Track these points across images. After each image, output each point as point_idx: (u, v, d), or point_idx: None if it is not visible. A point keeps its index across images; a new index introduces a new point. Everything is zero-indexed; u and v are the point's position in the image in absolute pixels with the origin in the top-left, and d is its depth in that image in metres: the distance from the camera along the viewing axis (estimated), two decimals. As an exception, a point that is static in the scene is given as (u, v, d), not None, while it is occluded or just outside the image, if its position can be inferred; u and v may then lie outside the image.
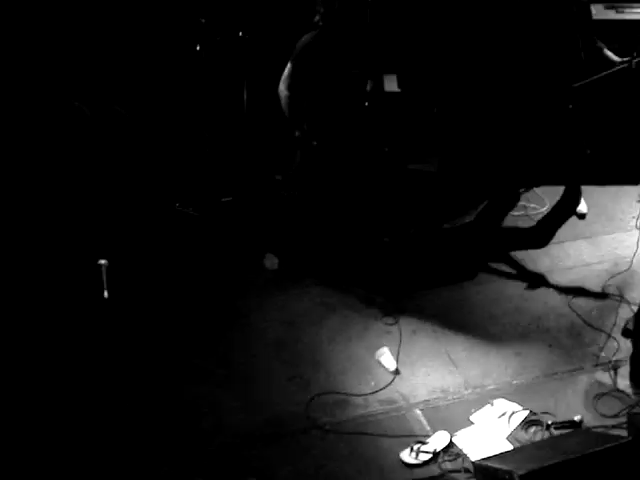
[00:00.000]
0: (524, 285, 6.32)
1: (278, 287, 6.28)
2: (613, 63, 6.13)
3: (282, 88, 5.95)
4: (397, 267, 6.41)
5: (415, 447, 5.16)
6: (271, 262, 6.39)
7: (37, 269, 6.23)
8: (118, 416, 5.28)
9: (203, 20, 6.89)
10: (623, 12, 6.78)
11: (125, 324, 5.76)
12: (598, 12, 6.75)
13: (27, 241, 6.41)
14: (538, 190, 7.11)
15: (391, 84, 7.03)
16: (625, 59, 6.06)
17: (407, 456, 5.14)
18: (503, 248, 6.66)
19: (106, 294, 5.20)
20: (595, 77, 6.10)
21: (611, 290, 6.21)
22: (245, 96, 6.95)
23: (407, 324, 6.00)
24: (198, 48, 6.89)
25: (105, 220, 6.55)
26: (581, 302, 6.16)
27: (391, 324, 5.99)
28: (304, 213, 6.49)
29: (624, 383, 5.59)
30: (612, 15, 6.77)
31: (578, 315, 6.05)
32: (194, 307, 6.09)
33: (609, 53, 6.20)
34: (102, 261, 5.26)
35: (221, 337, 5.90)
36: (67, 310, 5.91)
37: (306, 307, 6.14)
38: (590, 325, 5.98)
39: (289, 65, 5.93)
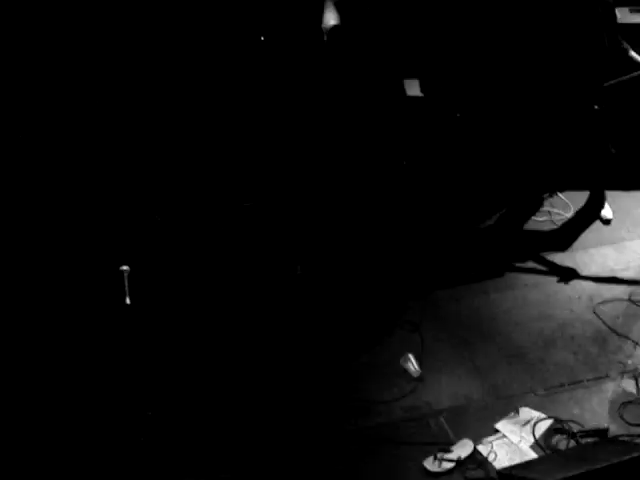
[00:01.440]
0: (548, 291, 6.26)
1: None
2: (639, 65, 6.08)
3: None
4: (421, 272, 6.38)
5: (439, 455, 5.12)
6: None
7: (59, 275, 6.23)
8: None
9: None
10: (649, 16, 6.72)
11: (148, 331, 5.75)
12: (623, 16, 6.69)
13: (49, 247, 6.41)
14: (562, 195, 7.06)
15: (413, 89, 7.00)
16: None
17: (430, 464, 5.10)
18: (526, 252, 6.61)
19: (128, 300, 5.18)
20: (623, 78, 6.04)
21: (637, 297, 6.14)
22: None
23: (431, 330, 5.97)
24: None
25: (129, 224, 6.55)
26: (606, 309, 6.10)
27: (415, 331, 5.95)
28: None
29: (651, 391, 5.54)
30: (638, 19, 6.70)
31: (603, 322, 5.99)
32: (215, 315, 6.08)
33: (635, 54, 6.15)
34: (124, 267, 5.24)
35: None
36: (89, 316, 5.92)
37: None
38: (616, 332, 5.91)
39: None
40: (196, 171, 6.97)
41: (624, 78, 6.03)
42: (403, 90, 6.98)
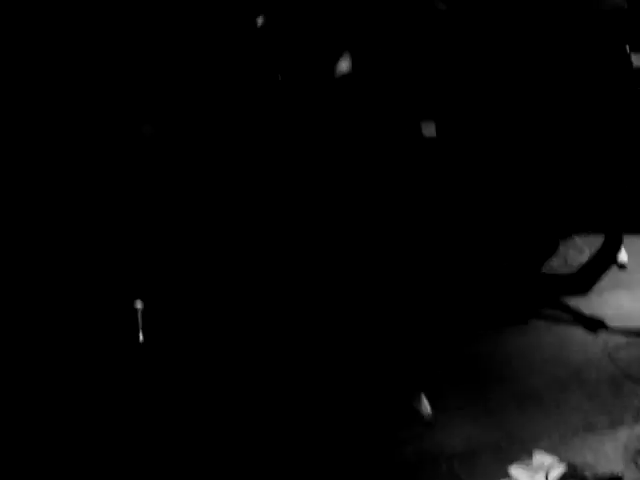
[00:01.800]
0: (563, 335, 6.23)
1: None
2: None
3: None
4: (435, 313, 6.37)
5: (451, 500, 5.09)
6: None
7: (72, 310, 6.23)
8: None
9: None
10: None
11: (161, 368, 5.75)
12: (638, 61, 6.71)
13: (62, 281, 6.41)
14: (578, 238, 7.05)
15: (429, 130, 7.04)
16: None
17: (443, 509, 5.07)
18: (542, 295, 6.59)
19: (141, 338, 5.19)
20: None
21: (652, 342, 6.13)
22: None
23: (443, 370, 5.94)
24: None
25: (149, 259, 6.56)
26: (621, 354, 6.06)
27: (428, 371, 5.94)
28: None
29: (666, 438, 5.49)
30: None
31: (618, 367, 5.96)
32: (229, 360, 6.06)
33: None
34: (138, 304, 5.26)
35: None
36: (102, 353, 5.90)
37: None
38: (630, 378, 5.87)
39: None
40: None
41: None
42: (420, 131, 7.02)
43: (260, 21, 6.70)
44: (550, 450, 5.39)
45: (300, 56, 7.03)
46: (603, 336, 6.20)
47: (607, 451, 5.40)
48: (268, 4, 6.88)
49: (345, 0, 6.75)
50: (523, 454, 5.37)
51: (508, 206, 7.17)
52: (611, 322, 6.31)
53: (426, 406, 5.63)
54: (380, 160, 6.86)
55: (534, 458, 5.33)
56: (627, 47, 6.16)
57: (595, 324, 6.27)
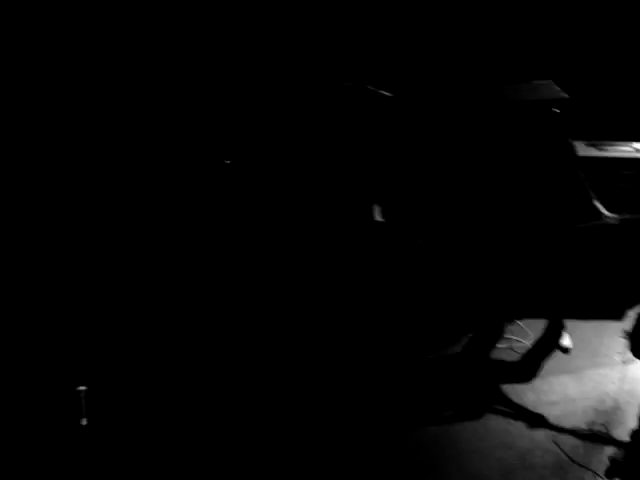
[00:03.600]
0: (509, 420, 6.24)
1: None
2: (599, 214, 6.23)
3: None
4: (383, 396, 6.35)
5: None
6: None
7: (15, 395, 6.12)
8: None
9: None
10: (604, 150, 6.94)
11: (105, 453, 5.64)
12: (580, 149, 6.91)
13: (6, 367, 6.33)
14: (521, 323, 7.13)
15: (378, 214, 7.14)
16: (615, 216, 6.18)
17: None
18: (489, 381, 6.61)
19: (85, 421, 5.09)
20: (588, 224, 6.19)
21: (596, 427, 6.15)
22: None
23: (392, 457, 5.90)
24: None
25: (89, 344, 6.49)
26: (567, 438, 6.08)
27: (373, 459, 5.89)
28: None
29: (612, 524, 5.49)
30: (594, 152, 6.93)
31: (564, 452, 5.96)
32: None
33: (598, 204, 6.30)
34: (81, 387, 5.17)
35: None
36: (44, 437, 5.78)
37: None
38: (576, 462, 5.88)
39: None
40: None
41: (590, 224, 6.19)
42: (372, 216, 7.13)
43: None
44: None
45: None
46: (548, 421, 6.22)
47: (554, 538, 5.40)
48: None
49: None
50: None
51: (454, 293, 7.26)
52: (555, 407, 6.34)
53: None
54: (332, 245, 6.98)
55: None
56: (567, 134, 6.31)
57: (537, 416, 6.31)
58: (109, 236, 6.93)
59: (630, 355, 5.71)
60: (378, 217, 7.10)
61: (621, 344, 6.68)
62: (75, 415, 5.18)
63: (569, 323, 7.00)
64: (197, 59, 7.33)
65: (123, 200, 7.03)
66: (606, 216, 6.19)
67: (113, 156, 7.14)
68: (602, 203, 6.25)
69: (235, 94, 7.28)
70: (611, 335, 7.00)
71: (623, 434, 6.00)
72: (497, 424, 6.21)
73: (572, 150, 6.50)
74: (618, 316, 7.17)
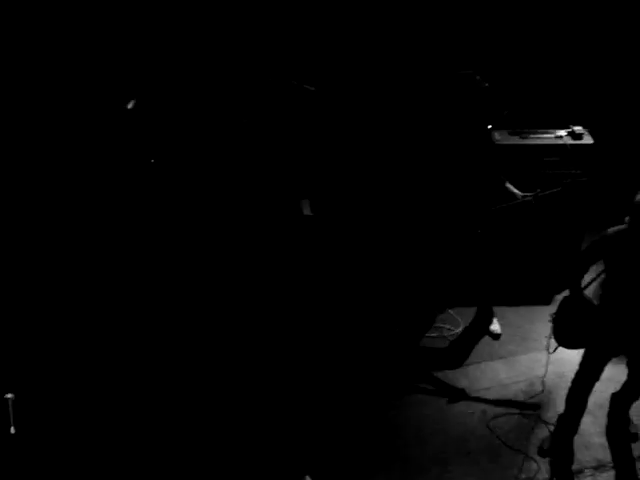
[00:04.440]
0: (442, 407, 6.30)
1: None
2: (514, 196, 6.32)
3: None
4: (318, 393, 6.36)
5: None
6: None
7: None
8: None
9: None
10: (527, 137, 7.03)
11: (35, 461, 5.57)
12: (503, 137, 7.00)
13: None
14: (452, 311, 7.20)
15: (307, 209, 7.15)
16: (527, 194, 6.26)
17: None
18: (420, 369, 6.66)
19: (13, 430, 5.00)
20: (503, 206, 6.27)
21: (528, 410, 6.24)
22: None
23: (329, 452, 5.92)
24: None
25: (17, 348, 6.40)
26: (499, 423, 6.17)
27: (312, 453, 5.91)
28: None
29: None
30: (517, 140, 7.01)
31: (497, 436, 6.05)
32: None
33: (510, 186, 6.39)
34: (8, 395, 5.08)
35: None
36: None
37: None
38: (509, 446, 5.97)
39: None
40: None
41: (506, 205, 6.26)
42: (300, 210, 7.13)
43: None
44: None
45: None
46: (481, 407, 6.29)
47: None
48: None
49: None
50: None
51: (384, 281, 7.30)
52: (488, 392, 6.42)
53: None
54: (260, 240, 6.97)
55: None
56: (488, 125, 6.39)
57: (463, 396, 6.38)
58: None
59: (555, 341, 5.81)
60: (307, 211, 7.10)
61: (549, 328, 6.81)
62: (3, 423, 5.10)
63: (499, 309, 7.10)
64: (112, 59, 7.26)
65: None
66: (520, 195, 6.28)
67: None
68: (526, 190, 6.33)
69: (159, 89, 7.22)
70: (540, 320, 7.10)
71: (553, 416, 6.10)
72: (431, 412, 6.26)
73: (490, 138, 6.59)
74: (547, 301, 7.28)
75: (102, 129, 7.00)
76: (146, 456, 5.75)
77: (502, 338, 6.96)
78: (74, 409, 5.99)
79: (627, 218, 5.16)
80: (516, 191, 6.33)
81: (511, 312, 7.21)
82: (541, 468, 5.79)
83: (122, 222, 6.92)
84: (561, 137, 7.00)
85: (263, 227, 7.08)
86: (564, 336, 5.71)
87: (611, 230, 5.31)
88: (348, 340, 6.81)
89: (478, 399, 6.37)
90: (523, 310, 7.25)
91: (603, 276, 5.53)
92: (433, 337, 6.98)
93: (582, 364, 5.66)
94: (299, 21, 7.65)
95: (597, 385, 5.73)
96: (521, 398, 6.36)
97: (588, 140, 6.97)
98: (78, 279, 6.80)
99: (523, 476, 5.74)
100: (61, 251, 6.90)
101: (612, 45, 8.39)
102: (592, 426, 6.10)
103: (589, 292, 5.76)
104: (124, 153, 6.96)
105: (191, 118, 7.17)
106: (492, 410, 6.26)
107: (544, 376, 6.36)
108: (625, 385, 5.87)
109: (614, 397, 6.05)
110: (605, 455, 5.93)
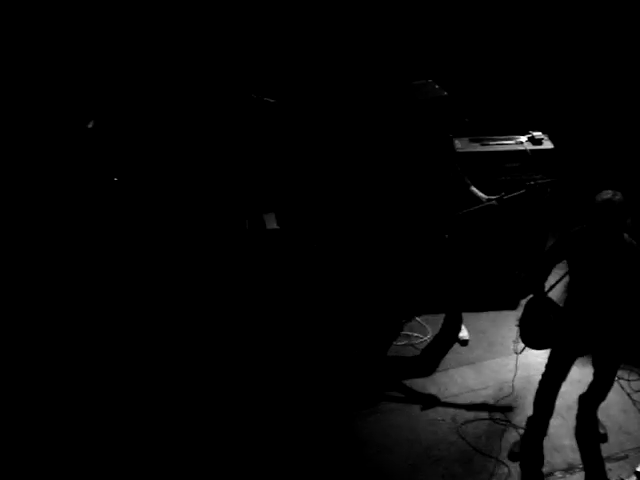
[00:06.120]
0: (413, 415, 6.30)
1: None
2: (479, 199, 6.36)
3: None
4: (289, 402, 6.34)
5: None
6: None
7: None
8: None
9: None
10: (488, 145, 7.09)
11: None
12: (464, 145, 7.05)
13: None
14: (420, 319, 7.22)
15: (271, 222, 7.14)
16: (492, 197, 6.30)
17: None
18: (390, 378, 6.66)
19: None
20: (469, 210, 6.30)
21: (497, 415, 6.26)
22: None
23: (300, 460, 5.90)
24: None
25: None
26: (469, 429, 6.18)
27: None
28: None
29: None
30: (478, 148, 7.06)
31: (467, 442, 6.06)
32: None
33: (475, 189, 6.43)
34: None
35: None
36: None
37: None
38: (480, 452, 5.98)
39: None
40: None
41: (471, 209, 6.29)
42: (263, 224, 7.13)
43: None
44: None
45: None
46: (451, 413, 6.30)
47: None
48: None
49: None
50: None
51: (350, 291, 7.31)
52: (457, 398, 6.44)
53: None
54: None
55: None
56: (448, 131, 6.43)
57: (434, 402, 6.40)
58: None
59: (522, 343, 5.84)
60: (272, 225, 7.10)
61: (516, 332, 6.85)
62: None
63: (466, 315, 7.11)
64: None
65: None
66: (485, 199, 6.31)
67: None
68: (490, 194, 6.37)
69: (120, 108, 7.20)
70: (507, 325, 7.16)
71: (522, 420, 6.13)
72: (401, 420, 6.26)
73: (452, 145, 6.62)
74: (513, 306, 7.32)
75: (63, 148, 6.96)
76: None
77: (470, 344, 6.99)
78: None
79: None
80: (481, 194, 6.36)
81: (478, 318, 7.24)
82: (512, 472, 5.81)
83: (85, 238, 6.89)
84: (521, 143, 7.06)
85: (219, 242, 7.09)
86: (530, 337, 5.75)
87: (572, 230, 5.37)
88: (313, 351, 6.81)
89: (448, 405, 6.38)
90: (490, 315, 7.29)
91: (567, 278, 5.58)
92: (401, 345, 6.99)
93: (548, 364, 5.69)
94: (258, 34, 7.68)
95: (565, 387, 5.78)
96: (491, 403, 6.37)
97: (548, 145, 7.05)
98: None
99: (494, 480, 5.77)
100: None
101: (568, 51, 8.49)
102: (561, 428, 6.13)
103: (553, 294, 5.81)
104: (86, 172, 6.92)
105: (152, 135, 7.15)
106: (462, 416, 6.28)
107: (513, 379, 6.40)
108: (591, 385, 5.91)
109: (582, 398, 6.09)
110: (575, 457, 5.96)
